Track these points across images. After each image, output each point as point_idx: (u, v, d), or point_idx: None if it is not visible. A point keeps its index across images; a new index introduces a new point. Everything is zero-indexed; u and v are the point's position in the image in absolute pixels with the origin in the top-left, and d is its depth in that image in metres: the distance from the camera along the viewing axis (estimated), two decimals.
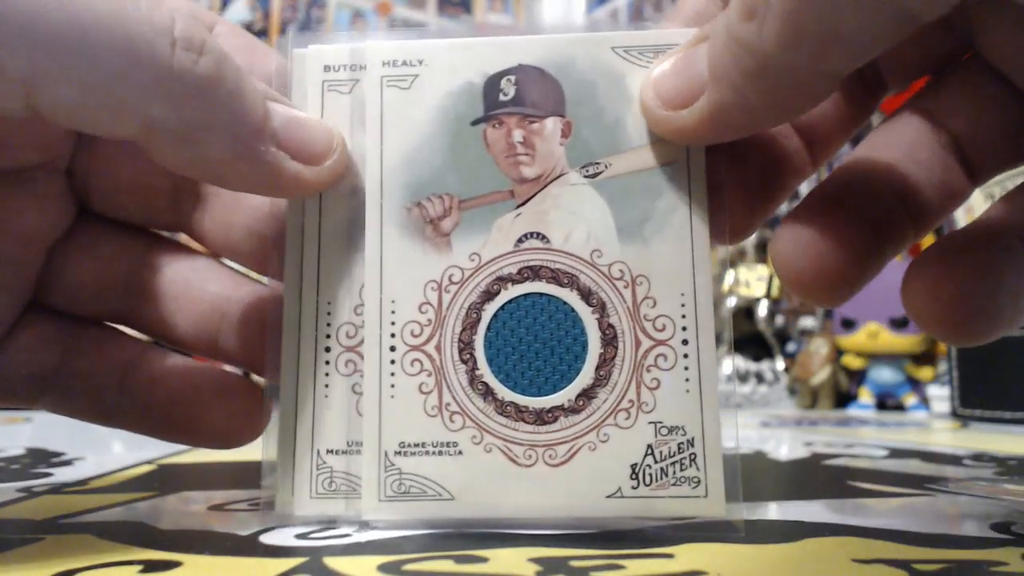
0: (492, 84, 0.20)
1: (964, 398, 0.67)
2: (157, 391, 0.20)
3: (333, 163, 0.19)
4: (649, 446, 0.18)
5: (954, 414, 0.68)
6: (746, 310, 1.05)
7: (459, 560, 0.16)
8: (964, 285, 0.16)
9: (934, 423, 0.66)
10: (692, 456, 0.18)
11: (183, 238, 0.23)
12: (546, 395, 0.19)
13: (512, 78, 0.20)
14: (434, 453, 0.19)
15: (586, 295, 0.19)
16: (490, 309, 0.19)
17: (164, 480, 0.29)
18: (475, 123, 0.19)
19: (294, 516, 0.19)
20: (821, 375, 0.88)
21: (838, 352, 0.89)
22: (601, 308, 0.19)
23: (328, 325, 0.19)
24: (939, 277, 0.17)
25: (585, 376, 0.19)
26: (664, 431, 0.18)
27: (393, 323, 0.19)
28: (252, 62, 0.20)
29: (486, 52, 0.20)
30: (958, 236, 0.17)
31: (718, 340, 0.19)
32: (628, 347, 0.19)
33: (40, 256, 0.20)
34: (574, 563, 0.16)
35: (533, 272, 0.19)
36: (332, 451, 0.19)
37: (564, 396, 0.19)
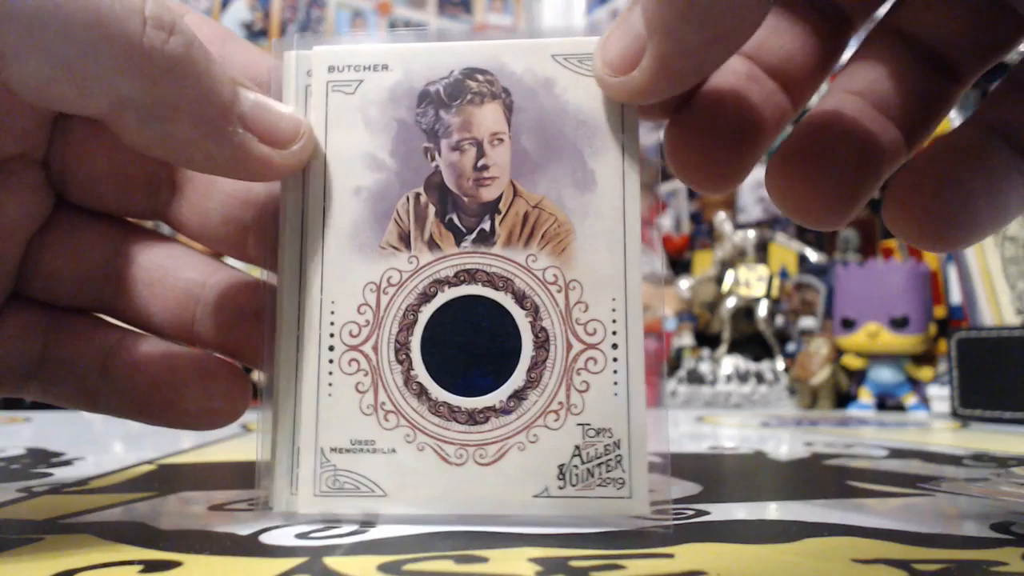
0: (465, 79, 0.20)
1: (964, 398, 0.67)
2: (138, 375, 0.21)
3: (300, 148, 0.19)
4: (577, 447, 0.19)
5: (954, 414, 0.68)
6: (746, 310, 1.05)
7: (459, 560, 0.16)
8: (935, 195, 0.17)
9: (934, 423, 0.66)
10: (618, 458, 0.19)
11: (165, 228, 0.23)
12: (478, 396, 0.19)
13: (492, 78, 0.20)
14: (368, 451, 0.19)
15: (520, 298, 0.20)
16: (427, 311, 0.20)
17: (164, 480, 0.29)
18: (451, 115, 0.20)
19: (298, 515, 0.19)
20: (821, 375, 0.89)
21: (838, 352, 0.89)
22: (535, 312, 0.20)
23: (331, 324, 0.20)
24: (911, 190, 0.17)
25: (517, 378, 0.19)
26: (592, 433, 0.19)
27: (332, 323, 0.20)
28: (224, 52, 0.20)
29: (430, 58, 0.20)
30: (928, 149, 0.18)
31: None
32: (560, 350, 0.19)
33: (20, 247, 0.20)
34: (574, 563, 0.16)
35: (470, 275, 0.20)
36: (336, 449, 0.19)
37: (496, 397, 0.19)
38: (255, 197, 0.21)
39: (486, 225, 0.20)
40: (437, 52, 0.20)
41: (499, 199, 0.20)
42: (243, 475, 0.32)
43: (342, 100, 0.20)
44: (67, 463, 0.34)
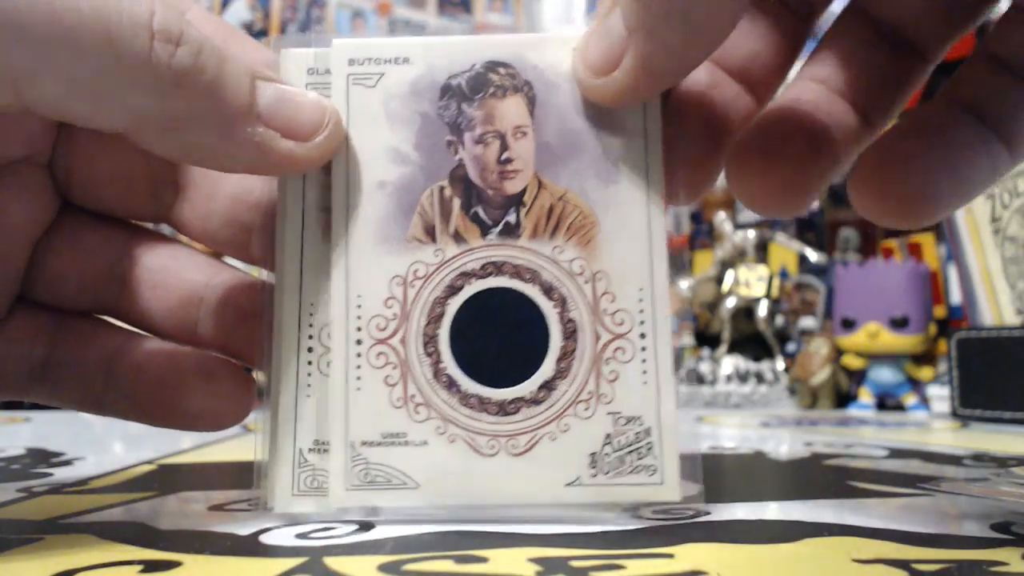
0: (486, 73, 0.20)
1: (964, 398, 0.67)
2: (142, 377, 0.21)
3: (325, 138, 0.19)
4: (607, 435, 0.19)
5: (954, 414, 0.68)
6: (746, 310, 1.05)
7: (459, 560, 0.16)
8: (894, 173, 0.17)
9: (934, 423, 0.66)
10: (648, 445, 0.19)
11: (168, 230, 0.23)
12: (509, 387, 0.19)
13: (514, 71, 0.20)
14: (399, 444, 0.19)
15: (547, 290, 0.20)
16: (454, 303, 0.20)
17: (164, 480, 0.29)
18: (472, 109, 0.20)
19: (274, 513, 0.19)
20: (821, 375, 0.88)
21: (838, 352, 0.89)
22: (562, 303, 0.20)
23: (311, 326, 0.20)
24: (871, 168, 0.18)
25: (546, 369, 0.20)
26: (622, 421, 0.19)
27: (359, 317, 0.20)
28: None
29: (451, 51, 0.20)
30: (893, 128, 0.18)
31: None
32: (588, 341, 0.20)
33: (26, 250, 0.20)
34: (574, 563, 0.16)
35: (496, 268, 0.20)
36: (367, 443, 0.19)
37: (526, 388, 0.19)
38: (258, 198, 0.21)
39: (511, 218, 0.20)
40: (459, 45, 0.20)
41: (523, 192, 0.20)
42: (243, 475, 0.32)
43: (363, 93, 0.20)
44: (67, 463, 0.34)
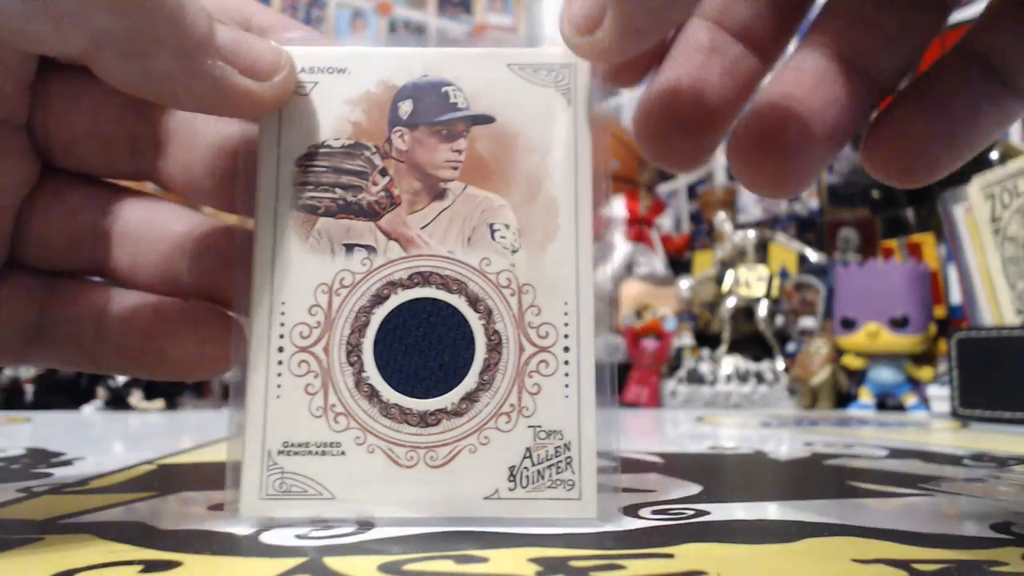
0: (429, 91, 0.20)
1: (964, 398, 0.67)
2: (130, 330, 0.21)
3: (283, 79, 0.19)
4: (527, 449, 0.19)
5: (954, 414, 0.68)
6: (746, 310, 1.05)
7: (459, 560, 0.16)
8: (914, 133, 0.17)
9: (934, 423, 0.66)
10: (568, 460, 0.19)
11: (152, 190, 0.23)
12: (431, 398, 0.19)
13: (453, 89, 0.20)
14: (317, 453, 0.19)
15: (474, 302, 0.20)
16: (380, 313, 0.20)
17: (164, 480, 0.29)
18: (433, 123, 0.20)
19: (241, 517, 0.19)
20: (821, 375, 0.89)
21: (838, 352, 0.89)
22: (488, 315, 0.20)
23: (282, 325, 0.20)
24: (891, 130, 0.18)
25: (469, 380, 0.20)
26: (543, 435, 0.19)
27: (282, 324, 0.20)
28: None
29: (385, 63, 0.20)
30: (910, 86, 0.18)
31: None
32: (512, 353, 0.20)
33: (11, 214, 0.21)
34: (574, 563, 0.16)
35: (423, 278, 0.20)
36: (284, 452, 0.19)
37: (448, 399, 0.19)
38: (237, 145, 0.21)
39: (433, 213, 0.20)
40: (395, 57, 0.20)
41: (448, 192, 0.20)
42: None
43: (296, 101, 0.20)
44: (67, 463, 0.34)
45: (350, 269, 0.20)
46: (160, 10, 0.17)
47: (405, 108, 0.20)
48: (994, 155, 0.88)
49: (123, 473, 0.31)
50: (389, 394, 0.19)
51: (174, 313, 0.21)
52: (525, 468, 0.19)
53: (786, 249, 1.11)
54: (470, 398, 0.19)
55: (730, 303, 1.05)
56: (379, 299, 0.20)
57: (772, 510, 0.23)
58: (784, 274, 1.07)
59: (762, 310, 1.03)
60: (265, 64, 0.19)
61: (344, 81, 0.20)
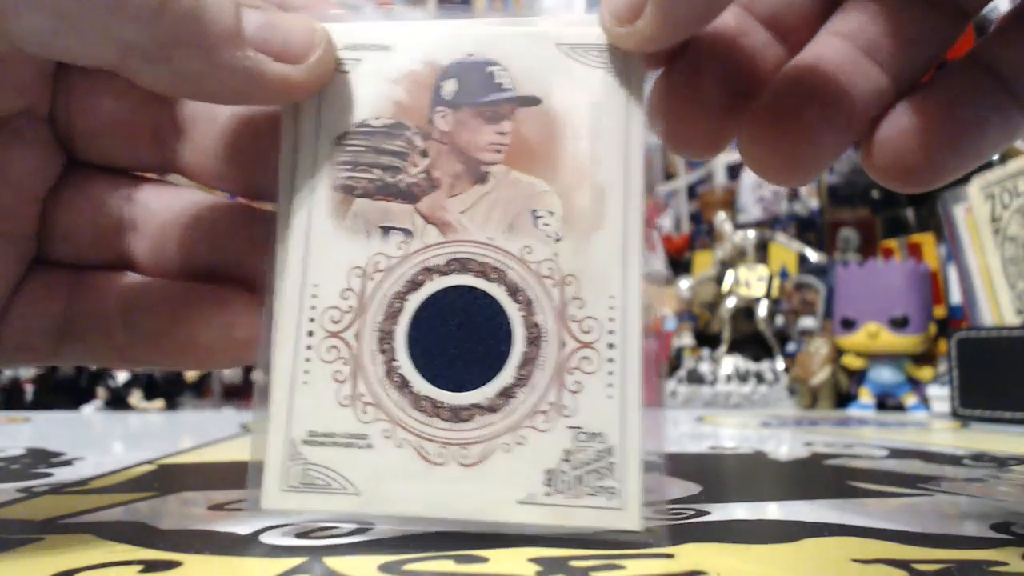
0: (474, 71, 0.19)
1: (964, 398, 0.67)
2: (157, 319, 0.21)
3: (319, 58, 0.18)
4: (566, 451, 0.18)
5: (954, 414, 0.68)
6: (746, 310, 1.05)
7: (459, 560, 0.16)
8: (922, 141, 0.17)
9: (934, 423, 0.66)
10: (610, 465, 0.18)
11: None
12: (465, 391, 0.18)
13: (499, 69, 0.19)
14: (343, 445, 0.18)
15: (513, 291, 0.19)
16: (414, 300, 0.19)
17: (164, 480, 0.29)
18: (478, 104, 0.19)
19: (262, 511, 0.18)
20: (821, 375, 0.89)
21: (838, 352, 0.89)
22: (528, 306, 0.19)
23: (312, 308, 0.19)
24: (900, 136, 0.18)
25: (506, 375, 0.18)
26: (583, 437, 0.18)
27: (313, 307, 0.19)
28: None
29: (430, 41, 0.19)
30: (921, 91, 0.18)
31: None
32: (552, 348, 0.18)
33: (36, 208, 0.20)
34: (574, 563, 0.16)
35: (461, 265, 0.19)
36: (308, 441, 0.18)
37: (482, 394, 0.18)
38: (259, 126, 0.21)
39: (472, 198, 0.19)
40: (441, 34, 0.19)
41: (490, 176, 0.19)
42: (243, 475, 0.32)
43: (337, 78, 0.19)
44: (67, 463, 0.34)
45: (385, 252, 0.19)
46: (180, 13, 0.16)
47: (449, 88, 0.19)
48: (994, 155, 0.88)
49: (123, 473, 0.31)
50: (421, 385, 0.18)
51: (200, 298, 0.21)
52: (563, 472, 0.18)
53: (786, 249, 1.11)
54: (506, 394, 0.18)
55: (730, 303, 1.05)
56: (414, 285, 0.19)
57: (772, 510, 0.23)
58: (784, 274, 1.07)
59: (762, 310, 1.03)
60: (298, 45, 0.18)
61: (387, 59, 0.19)
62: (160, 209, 0.21)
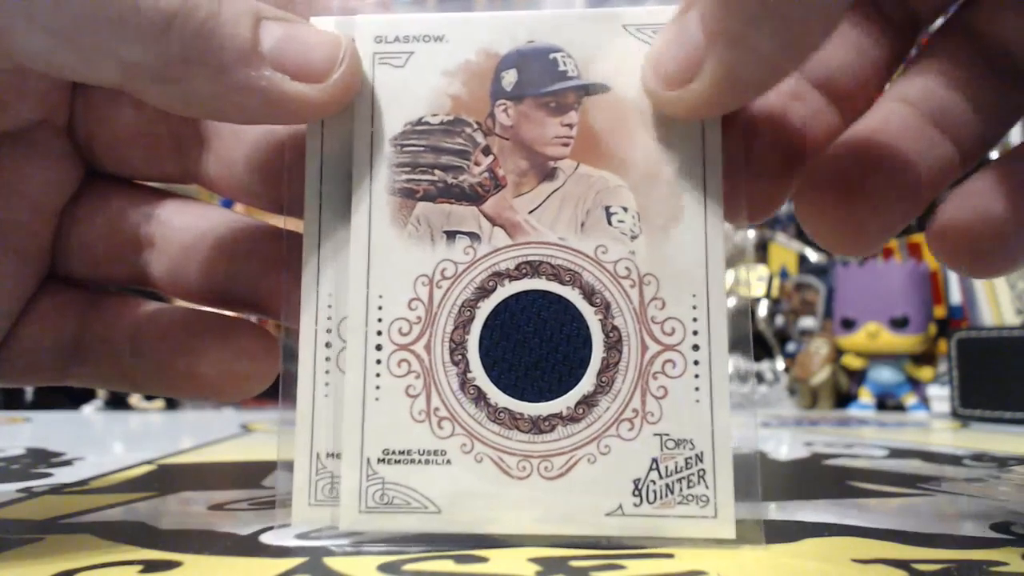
0: (536, 59, 0.18)
1: (964, 398, 0.67)
2: (162, 345, 0.20)
3: (340, 76, 0.17)
4: (654, 460, 0.17)
5: (954, 414, 0.68)
6: None
7: (459, 560, 0.16)
8: (979, 237, 0.16)
9: (934, 423, 0.66)
10: (701, 472, 0.17)
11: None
12: (543, 401, 0.18)
13: (562, 55, 0.18)
14: (420, 462, 0.17)
15: (589, 294, 0.18)
16: (485, 307, 0.18)
17: (164, 480, 0.29)
18: (541, 94, 0.18)
19: (291, 527, 0.18)
20: (821, 375, 0.88)
21: (838, 352, 0.89)
22: (605, 309, 0.18)
23: (379, 321, 0.18)
24: (955, 224, 0.16)
25: (586, 382, 0.18)
26: (671, 444, 0.17)
27: (380, 320, 0.18)
28: None
29: (486, 29, 0.18)
30: (978, 173, 0.17)
31: (737, 342, 0.18)
32: (633, 352, 0.17)
33: (52, 221, 0.20)
34: (574, 563, 0.16)
35: (533, 268, 0.18)
36: (384, 460, 0.18)
37: (563, 403, 0.18)
38: (282, 138, 0.20)
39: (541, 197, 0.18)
40: (497, 22, 0.18)
41: (558, 172, 0.18)
42: (243, 475, 0.32)
43: (390, 73, 0.18)
44: (67, 463, 0.34)
45: (452, 259, 0.18)
46: (189, 30, 0.15)
47: (509, 78, 0.18)
48: (994, 155, 0.88)
49: (123, 473, 0.31)
50: (497, 397, 0.18)
51: (206, 327, 0.20)
52: (652, 481, 0.17)
53: (786, 249, 1.11)
54: (587, 402, 0.17)
55: (730, 303, 1.05)
56: (484, 292, 0.18)
57: (772, 510, 0.23)
58: (784, 274, 1.07)
59: (762, 310, 1.03)
60: (320, 62, 0.17)
61: (442, 50, 0.18)
62: (181, 226, 0.21)
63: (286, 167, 0.19)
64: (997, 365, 0.64)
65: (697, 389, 0.17)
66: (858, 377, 0.88)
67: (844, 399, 0.89)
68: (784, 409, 0.88)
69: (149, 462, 0.34)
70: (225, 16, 0.16)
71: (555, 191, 0.18)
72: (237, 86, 0.16)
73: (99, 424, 0.63)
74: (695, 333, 0.17)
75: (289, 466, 0.18)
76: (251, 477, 0.30)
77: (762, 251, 1.11)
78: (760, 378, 0.96)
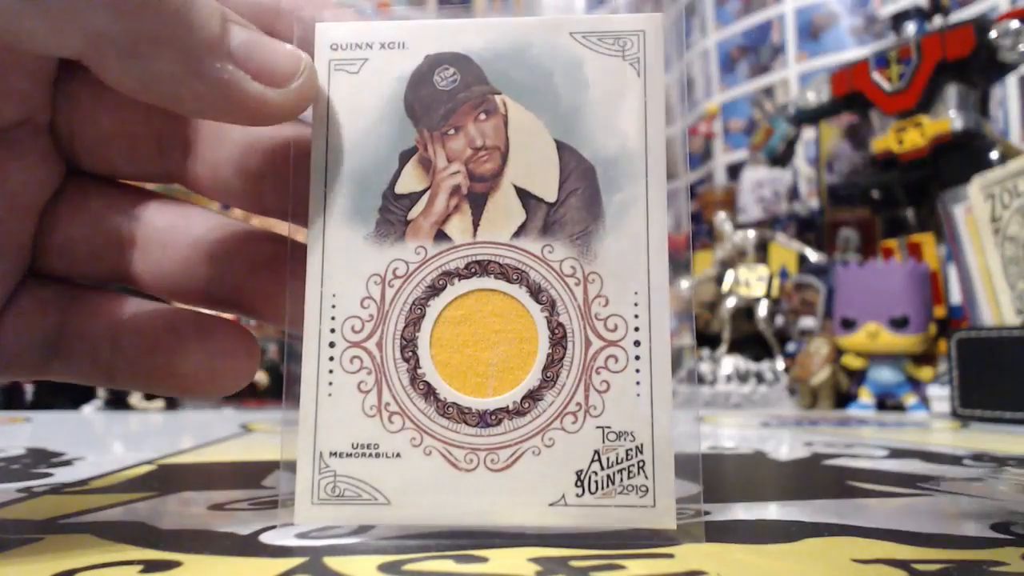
0: (471, 64, 0.19)
1: (964, 398, 0.67)
2: (142, 342, 0.20)
3: (300, 85, 0.18)
4: (596, 452, 0.18)
5: (954, 414, 0.68)
6: (746, 310, 1.05)
7: (459, 560, 0.16)
8: None
9: (934, 423, 0.66)
10: (640, 463, 0.18)
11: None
12: (491, 396, 0.18)
13: (506, 62, 0.19)
14: (371, 455, 0.18)
15: (536, 292, 0.18)
16: (435, 305, 0.19)
17: (164, 480, 0.29)
18: (472, 100, 0.19)
19: (295, 524, 0.18)
20: (821, 375, 0.89)
21: (838, 352, 0.89)
22: (551, 306, 0.18)
23: (332, 319, 0.19)
24: None
25: (532, 377, 0.18)
26: (612, 436, 0.18)
27: (333, 318, 0.18)
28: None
29: (437, 35, 0.19)
30: None
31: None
32: (578, 348, 0.18)
33: (33, 220, 0.20)
34: (574, 563, 0.16)
35: (481, 267, 0.19)
36: (336, 454, 0.18)
37: (509, 398, 0.18)
38: (267, 144, 0.20)
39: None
40: (447, 29, 0.19)
41: (503, 174, 0.19)
42: (243, 475, 0.32)
43: (345, 80, 0.19)
44: (67, 463, 0.34)
45: (403, 259, 0.19)
46: (164, 9, 0.16)
47: (445, 82, 0.19)
48: (994, 155, 0.88)
49: (123, 473, 0.31)
50: (446, 392, 0.18)
51: (184, 325, 0.20)
52: (594, 472, 0.18)
53: (786, 249, 1.11)
54: (533, 396, 0.18)
55: (730, 303, 1.05)
56: (435, 290, 0.19)
57: (772, 510, 0.23)
58: (784, 274, 1.07)
59: (762, 310, 1.03)
60: (282, 69, 0.18)
61: (396, 57, 0.19)
62: (162, 226, 0.21)
63: (292, 170, 0.20)
64: (997, 365, 0.64)
65: (638, 383, 0.18)
66: (858, 377, 0.88)
67: (844, 399, 0.89)
68: (784, 409, 0.88)
69: (149, 462, 0.34)
70: (198, 6, 0.16)
71: (502, 193, 0.19)
72: (200, 73, 0.16)
73: (99, 424, 0.63)
74: (636, 329, 0.18)
75: (292, 466, 0.18)
76: (251, 477, 0.30)
77: (762, 251, 1.11)
78: (760, 378, 0.96)
